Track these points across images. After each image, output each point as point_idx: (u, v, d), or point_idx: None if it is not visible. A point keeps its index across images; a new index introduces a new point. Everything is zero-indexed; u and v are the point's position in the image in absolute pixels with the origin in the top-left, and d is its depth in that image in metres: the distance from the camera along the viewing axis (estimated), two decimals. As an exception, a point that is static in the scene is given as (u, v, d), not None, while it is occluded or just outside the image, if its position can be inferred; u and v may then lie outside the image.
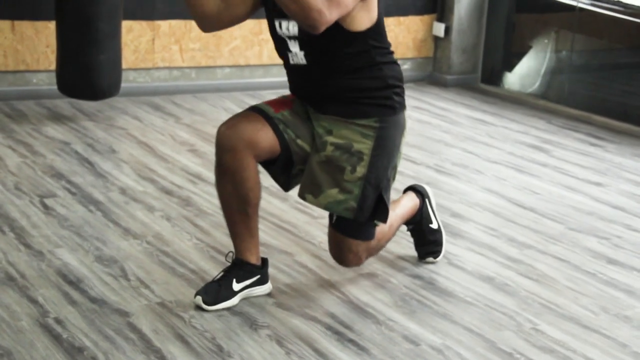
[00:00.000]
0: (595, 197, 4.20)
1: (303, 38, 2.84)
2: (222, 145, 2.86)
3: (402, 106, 2.97)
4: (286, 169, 2.97)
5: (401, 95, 2.97)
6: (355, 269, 3.21)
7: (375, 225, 3.01)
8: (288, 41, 2.88)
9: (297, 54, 2.88)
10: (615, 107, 5.70)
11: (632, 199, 4.21)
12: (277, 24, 2.88)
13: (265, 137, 2.87)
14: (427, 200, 3.33)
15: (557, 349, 2.76)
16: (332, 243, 3.03)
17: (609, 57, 6.05)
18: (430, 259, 3.35)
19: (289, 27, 2.84)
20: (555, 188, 4.31)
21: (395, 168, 3.00)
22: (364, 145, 2.90)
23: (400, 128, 2.97)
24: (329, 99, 2.92)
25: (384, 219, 2.99)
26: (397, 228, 3.23)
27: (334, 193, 2.91)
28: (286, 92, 3.10)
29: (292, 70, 2.96)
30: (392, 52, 2.96)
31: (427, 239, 3.33)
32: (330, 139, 2.91)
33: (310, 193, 2.94)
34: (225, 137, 2.85)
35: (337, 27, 2.79)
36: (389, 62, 2.93)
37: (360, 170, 2.90)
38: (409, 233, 3.37)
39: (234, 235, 2.96)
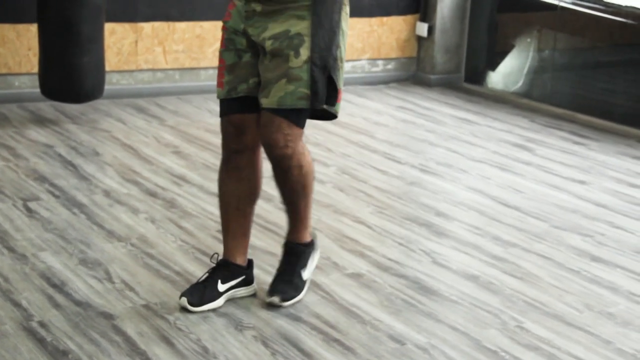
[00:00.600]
0: (578, 195, 4.22)
1: None
2: (230, 146, 2.90)
3: None
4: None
5: None
6: (340, 270, 3.21)
7: (321, 113, 2.90)
8: None
9: None
10: (598, 105, 5.73)
11: (615, 196, 4.23)
12: None
13: (253, 119, 2.88)
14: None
15: (542, 346, 2.77)
16: (262, 125, 2.87)
17: (591, 56, 6.08)
18: (276, 300, 2.99)
19: None
20: (539, 186, 4.32)
21: (339, 47, 2.89)
22: (301, 26, 2.81)
23: (337, 3, 2.85)
24: None
25: (333, 102, 2.88)
26: (312, 183, 3.04)
27: (282, 84, 2.80)
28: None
29: None
30: None
31: (291, 277, 3.05)
32: (267, 33, 2.83)
33: (264, 96, 2.84)
34: (232, 141, 2.90)
35: None
36: None
37: (304, 52, 2.81)
38: (388, 232, 3.39)
39: (227, 233, 2.96)
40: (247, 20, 2.84)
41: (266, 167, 2.97)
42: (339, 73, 2.88)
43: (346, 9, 2.90)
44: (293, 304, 2.94)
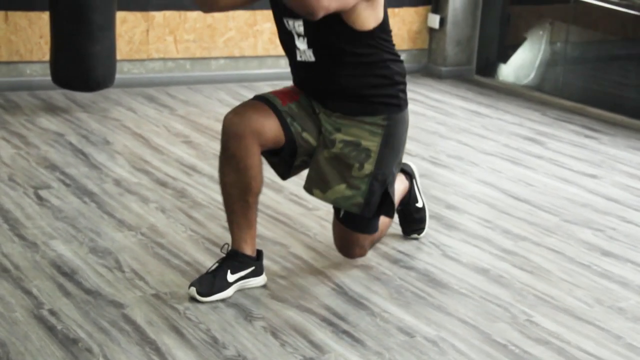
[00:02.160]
0: (589, 189, 4.20)
1: (311, 36, 2.85)
2: (228, 132, 2.87)
3: (406, 103, 3.03)
4: (288, 160, 2.99)
5: (405, 92, 3.02)
6: (349, 261, 3.21)
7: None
8: (296, 38, 2.88)
9: (305, 51, 2.89)
10: (609, 99, 5.71)
11: (626, 190, 4.21)
12: (285, 22, 2.89)
13: (271, 127, 2.88)
14: (414, 180, 3.40)
15: (552, 340, 2.77)
16: (339, 237, 3.07)
17: (603, 49, 6.05)
18: (415, 236, 3.44)
19: (295, 26, 2.86)
20: (550, 180, 4.31)
21: (400, 163, 3.06)
22: (372, 143, 2.94)
23: (405, 124, 3.02)
24: (337, 96, 2.94)
25: (390, 214, 3.05)
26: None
27: (341, 189, 2.94)
28: (284, 83, 3.11)
29: (299, 67, 2.97)
30: (395, 49, 2.99)
31: (412, 218, 3.42)
32: (339, 136, 2.94)
33: (318, 188, 2.97)
34: (232, 124, 2.86)
35: (344, 26, 2.82)
36: (395, 60, 2.98)
37: (368, 167, 2.93)
38: (398, 224, 3.41)
39: (232, 224, 2.96)
40: (322, 114, 2.97)
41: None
42: (394, 186, 3.06)
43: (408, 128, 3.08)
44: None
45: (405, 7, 6.23)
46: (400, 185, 3.28)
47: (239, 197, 2.91)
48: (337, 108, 2.95)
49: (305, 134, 2.95)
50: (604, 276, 3.26)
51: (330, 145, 2.95)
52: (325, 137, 2.96)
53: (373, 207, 2.97)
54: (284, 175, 3.07)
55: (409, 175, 3.40)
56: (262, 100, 2.94)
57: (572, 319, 2.91)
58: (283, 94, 2.98)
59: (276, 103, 2.93)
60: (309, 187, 3.00)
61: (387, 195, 2.99)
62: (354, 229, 3.02)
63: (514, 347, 2.71)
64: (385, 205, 3.00)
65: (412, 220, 3.43)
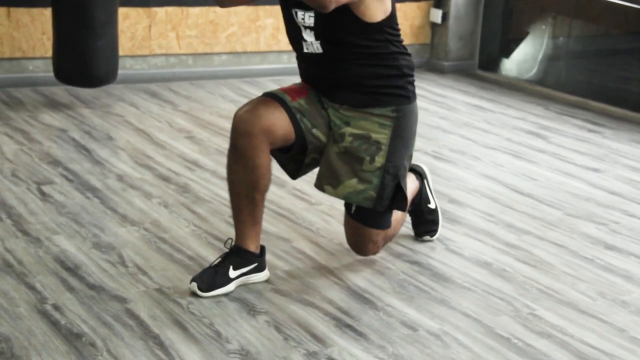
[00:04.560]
0: (592, 183, 4.20)
1: (319, 28, 2.85)
2: (238, 130, 2.85)
3: (415, 95, 3.02)
4: (298, 158, 2.98)
5: (414, 84, 3.01)
6: (353, 255, 3.21)
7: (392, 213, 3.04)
8: (303, 30, 2.88)
9: (312, 43, 2.89)
10: (612, 93, 5.70)
11: (629, 184, 4.21)
12: (293, 12, 2.88)
13: (281, 124, 2.87)
14: (425, 181, 3.37)
15: (555, 334, 2.77)
16: (351, 234, 3.06)
17: (606, 43, 6.04)
18: (427, 238, 3.39)
19: (305, 17, 2.85)
20: (553, 174, 4.31)
21: (411, 156, 3.04)
22: (382, 135, 2.93)
23: (415, 117, 3.01)
24: (345, 89, 2.93)
25: (403, 207, 3.02)
26: (406, 213, 3.25)
27: (353, 183, 2.93)
28: (286, 78, 3.10)
29: (306, 59, 2.96)
30: (403, 41, 2.98)
31: (425, 219, 3.38)
32: (349, 129, 2.93)
33: (329, 184, 2.96)
34: (242, 121, 2.85)
35: (352, 17, 2.82)
36: (403, 53, 2.97)
37: (379, 160, 2.92)
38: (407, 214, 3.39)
39: (238, 221, 2.96)
40: (331, 108, 2.95)
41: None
42: (406, 179, 3.03)
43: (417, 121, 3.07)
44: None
45: (407, 1, 6.22)
46: (411, 185, 3.25)
47: (246, 194, 2.91)
48: (344, 100, 2.94)
49: (315, 130, 2.94)
50: (607, 270, 3.26)
51: (339, 139, 2.94)
52: (334, 132, 2.95)
53: (386, 201, 2.95)
54: (294, 174, 3.06)
55: (420, 175, 3.36)
56: (271, 97, 2.93)
57: (575, 312, 2.91)
58: (292, 90, 2.97)
59: (286, 99, 2.91)
60: (320, 184, 2.99)
61: (399, 189, 2.97)
62: (366, 224, 3.00)
63: (517, 340, 2.71)
64: (397, 198, 2.98)
65: (425, 222, 3.38)
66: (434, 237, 3.40)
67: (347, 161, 2.93)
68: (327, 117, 2.96)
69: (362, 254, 3.10)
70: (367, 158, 2.92)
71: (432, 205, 3.38)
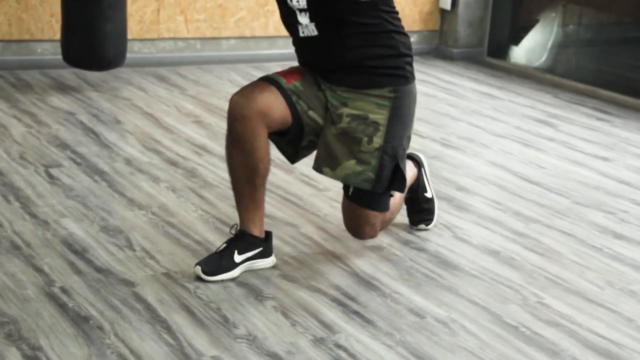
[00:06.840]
0: (601, 172, 4.19)
1: (313, 10, 2.83)
2: (234, 114, 2.84)
3: (413, 76, 2.99)
4: (295, 141, 2.96)
5: (412, 65, 2.98)
6: (360, 242, 3.21)
7: (391, 195, 3.02)
8: (298, 14, 2.86)
9: (307, 25, 2.87)
10: (622, 82, 5.67)
11: (638, 173, 4.19)
12: None
13: (277, 107, 2.86)
14: (422, 169, 3.36)
15: (563, 322, 2.76)
16: (349, 215, 3.04)
17: (616, 31, 6.01)
18: (422, 226, 3.38)
19: (300, 0, 2.84)
20: (561, 162, 4.29)
21: (409, 138, 3.01)
22: (380, 116, 2.90)
23: (413, 97, 2.98)
24: (341, 70, 2.91)
25: (401, 189, 3.00)
26: (404, 198, 3.24)
27: (351, 164, 2.92)
28: (294, 64, 3.08)
29: (302, 43, 2.94)
30: (401, 22, 2.96)
31: (421, 207, 3.37)
32: (346, 110, 2.91)
33: (328, 166, 2.95)
34: (238, 106, 2.84)
35: None
36: (399, 32, 2.93)
37: (377, 140, 2.90)
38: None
39: (240, 205, 2.95)
40: (328, 90, 2.93)
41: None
42: (405, 161, 3.00)
43: (416, 102, 3.03)
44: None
45: (417, -12, 6.19)
46: (409, 172, 3.25)
47: (246, 179, 2.90)
48: (342, 82, 2.92)
49: (311, 112, 2.93)
50: (616, 259, 3.25)
51: (337, 120, 2.92)
52: (331, 113, 2.93)
53: (384, 182, 2.94)
54: (292, 158, 3.05)
55: (417, 163, 3.35)
56: (266, 80, 2.92)
57: (583, 301, 2.91)
58: (287, 73, 2.96)
59: (281, 82, 2.90)
60: (318, 166, 2.98)
61: (397, 170, 2.95)
62: (363, 205, 2.98)
63: (525, 329, 2.71)
64: (396, 180, 2.96)
65: (421, 210, 3.37)
66: (429, 226, 3.38)
67: (345, 142, 2.92)
68: (324, 99, 2.94)
69: (359, 237, 3.08)
70: (365, 139, 2.90)
71: (428, 194, 3.36)
